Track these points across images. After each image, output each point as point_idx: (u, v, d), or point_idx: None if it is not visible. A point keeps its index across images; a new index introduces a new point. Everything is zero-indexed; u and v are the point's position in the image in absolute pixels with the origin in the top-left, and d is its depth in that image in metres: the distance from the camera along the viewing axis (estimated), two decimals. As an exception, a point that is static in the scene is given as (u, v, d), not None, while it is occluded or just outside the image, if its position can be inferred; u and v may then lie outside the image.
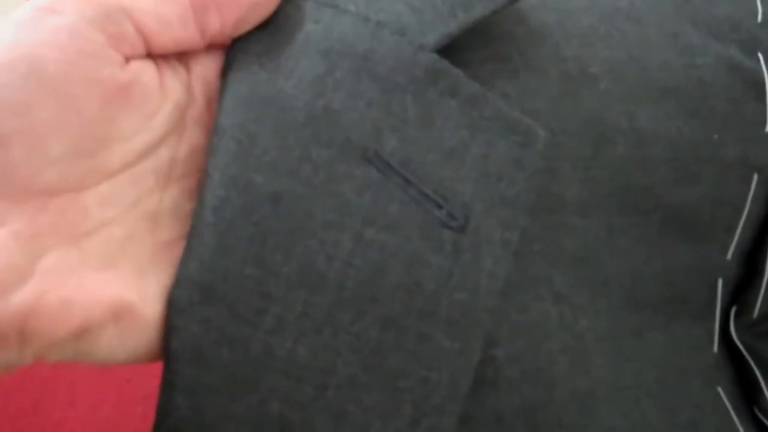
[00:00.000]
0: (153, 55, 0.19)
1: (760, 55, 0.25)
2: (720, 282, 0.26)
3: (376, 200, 0.20)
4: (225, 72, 0.20)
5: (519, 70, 0.22)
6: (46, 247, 0.17)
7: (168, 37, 0.19)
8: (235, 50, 0.20)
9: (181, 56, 0.20)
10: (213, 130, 0.20)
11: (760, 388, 0.26)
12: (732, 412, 0.26)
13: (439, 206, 0.20)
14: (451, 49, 0.21)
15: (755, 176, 0.25)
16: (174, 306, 0.19)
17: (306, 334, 0.19)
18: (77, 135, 0.17)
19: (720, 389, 0.26)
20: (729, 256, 0.25)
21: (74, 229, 0.17)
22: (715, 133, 0.24)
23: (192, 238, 0.19)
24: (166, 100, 0.19)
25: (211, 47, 0.20)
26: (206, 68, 0.21)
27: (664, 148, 0.23)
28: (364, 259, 0.19)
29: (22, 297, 0.16)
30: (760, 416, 0.26)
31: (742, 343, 0.26)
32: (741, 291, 0.26)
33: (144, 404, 0.32)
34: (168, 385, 0.19)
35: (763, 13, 0.26)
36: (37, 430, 0.32)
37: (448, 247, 0.20)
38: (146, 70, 0.19)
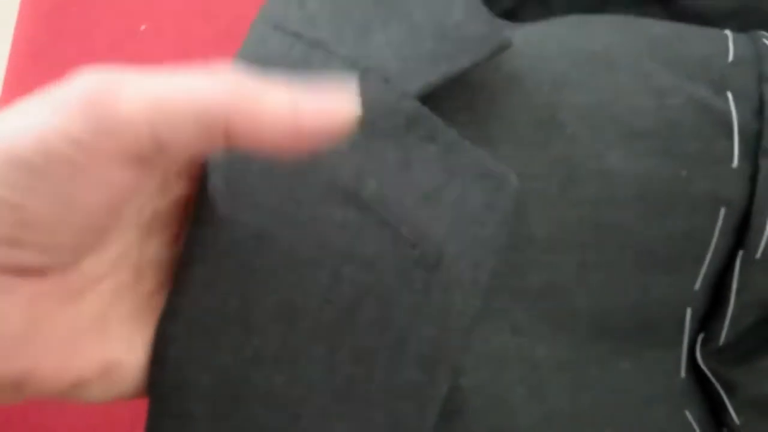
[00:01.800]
0: None
1: (729, 94, 0.26)
2: (689, 311, 0.27)
3: (354, 239, 0.21)
4: None
5: (489, 119, 0.24)
6: (47, 312, 0.18)
7: (184, 158, 0.19)
8: None
9: None
10: (204, 167, 0.21)
11: (727, 409, 0.27)
12: None
13: (414, 246, 0.21)
14: (431, 96, 0.22)
15: (723, 210, 0.25)
16: (161, 337, 0.20)
17: (283, 364, 0.20)
18: (88, 244, 0.18)
19: (687, 413, 0.27)
20: (697, 286, 0.26)
21: (71, 291, 0.18)
22: (684, 170, 0.25)
23: (181, 272, 0.20)
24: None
25: None
26: None
27: (633, 186, 0.24)
28: (339, 295, 0.20)
29: (22, 362, 0.17)
30: None
31: (709, 368, 0.27)
32: (708, 319, 0.27)
33: (132, 410, 0.32)
34: (154, 410, 0.20)
35: (734, 53, 0.26)
36: (40, 429, 0.33)
37: (419, 285, 0.21)
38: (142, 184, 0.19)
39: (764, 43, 0.27)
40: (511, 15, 0.31)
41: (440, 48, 0.22)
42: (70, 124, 0.16)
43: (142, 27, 0.37)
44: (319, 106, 0.18)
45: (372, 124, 0.21)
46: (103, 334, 0.19)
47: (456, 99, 0.23)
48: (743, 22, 0.30)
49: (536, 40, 0.25)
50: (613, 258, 0.25)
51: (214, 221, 0.20)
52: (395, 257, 0.21)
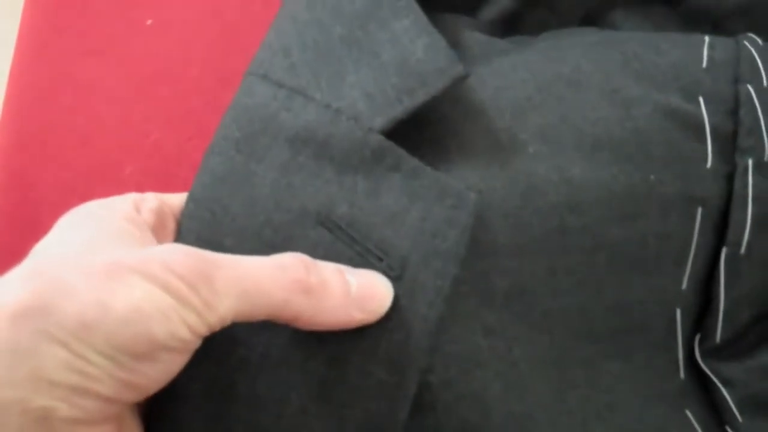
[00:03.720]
0: None
1: (700, 99, 0.27)
2: (678, 311, 0.27)
3: (326, 256, 0.23)
4: (207, 152, 0.24)
5: (451, 148, 0.25)
6: None
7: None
8: (217, 136, 0.24)
9: None
10: (189, 197, 0.24)
11: (729, 408, 0.27)
12: None
13: (380, 259, 0.23)
14: (398, 130, 0.24)
15: (700, 209, 0.26)
16: None
17: (265, 371, 0.22)
18: None
19: (688, 412, 0.27)
20: (684, 286, 0.27)
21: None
22: (652, 174, 0.26)
23: None
24: None
25: None
26: None
27: (597, 191, 0.25)
28: None
29: None
30: None
31: (708, 367, 0.27)
32: (702, 318, 0.27)
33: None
34: (153, 416, 0.23)
35: (708, 58, 0.27)
36: None
37: None
38: None
39: (745, 45, 0.28)
40: (516, 18, 0.31)
41: (403, 84, 0.24)
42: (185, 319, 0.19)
43: (149, 22, 0.37)
44: (365, 293, 0.22)
45: (342, 161, 0.24)
46: None
47: (419, 134, 0.25)
48: (751, 20, 0.30)
49: (502, 71, 0.27)
50: (582, 261, 0.26)
51: (198, 244, 0.22)
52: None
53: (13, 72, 0.38)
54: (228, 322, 0.20)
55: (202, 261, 0.20)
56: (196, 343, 0.20)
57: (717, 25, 0.31)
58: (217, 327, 0.20)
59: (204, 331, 0.20)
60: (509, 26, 0.32)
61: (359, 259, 0.23)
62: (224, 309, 0.20)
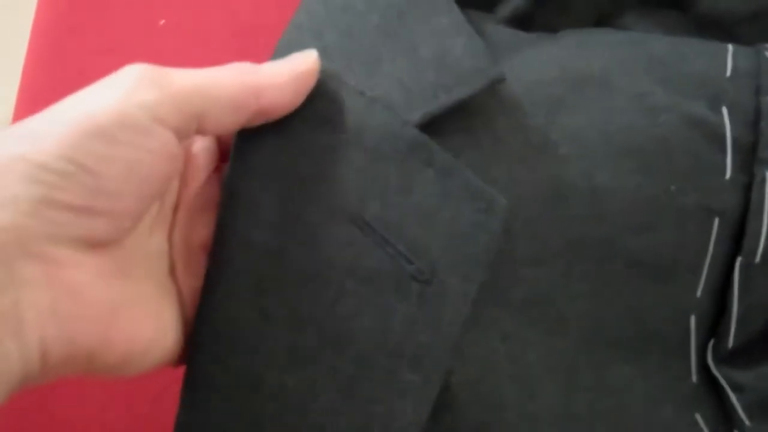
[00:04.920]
0: None
1: (724, 109, 0.27)
2: (693, 318, 0.28)
3: (357, 256, 0.23)
4: (236, 137, 0.24)
5: (483, 142, 0.26)
6: (110, 288, 0.21)
7: (212, 134, 0.23)
8: None
9: None
10: (223, 189, 0.24)
11: (737, 412, 0.27)
12: None
13: (410, 262, 0.23)
14: (431, 123, 0.24)
15: (716, 220, 0.26)
16: (192, 342, 0.23)
17: (293, 367, 0.23)
18: (144, 212, 0.21)
19: (698, 416, 0.28)
20: (698, 293, 0.27)
21: (120, 269, 0.21)
22: (673, 185, 0.26)
23: (205, 288, 0.23)
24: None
25: None
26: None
27: (620, 202, 0.26)
28: (343, 306, 0.23)
29: (98, 335, 0.20)
30: None
31: (720, 373, 0.28)
32: (716, 325, 0.28)
33: (152, 406, 0.33)
34: (181, 405, 0.23)
35: (732, 68, 0.27)
36: (44, 429, 0.33)
37: (415, 297, 0.23)
38: (183, 156, 0.23)
39: (766, 57, 0.28)
40: (526, 20, 0.31)
41: (441, 80, 0.24)
42: (140, 92, 0.19)
43: (162, 22, 0.37)
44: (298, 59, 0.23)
45: (376, 148, 0.23)
46: (144, 310, 0.22)
47: (454, 123, 0.25)
48: (761, 27, 0.30)
49: (536, 65, 0.27)
50: (598, 269, 0.26)
51: (233, 242, 0.23)
52: (393, 272, 0.23)
53: (26, 71, 0.38)
54: (196, 102, 0.20)
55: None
56: (156, 133, 0.20)
57: (728, 30, 0.31)
58: (182, 98, 0.20)
59: (159, 110, 0.20)
60: (520, 27, 0.32)
61: (390, 261, 0.23)
62: (178, 85, 0.20)
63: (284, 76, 0.22)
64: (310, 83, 0.23)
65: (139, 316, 0.21)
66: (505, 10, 0.32)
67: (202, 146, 0.25)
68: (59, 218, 0.18)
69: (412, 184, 0.23)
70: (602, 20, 0.32)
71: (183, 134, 0.21)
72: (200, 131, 0.21)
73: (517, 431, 0.25)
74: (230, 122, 0.22)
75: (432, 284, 0.23)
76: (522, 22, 0.32)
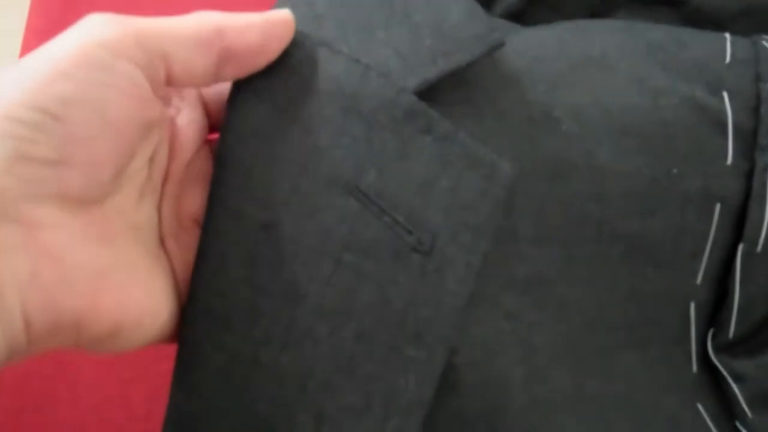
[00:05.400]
0: None
1: (724, 94, 0.27)
2: (692, 306, 0.27)
3: (354, 227, 0.22)
4: (227, 107, 0.23)
5: (485, 114, 0.25)
6: (94, 250, 0.20)
7: (185, 83, 0.22)
8: (237, 83, 0.23)
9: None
10: (215, 159, 0.23)
11: (739, 403, 0.27)
12: (712, 427, 0.27)
13: (410, 232, 0.22)
14: (430, 92, 0.23)
15: (718, 206, 0.26)
16: (183, 321, 0.22)
17: (289, 344, 0.22)
18: (122, 163, 0.20)
19: (700, 405, 0.27)
20: (699, 280, 0.27)
21: (104, 234, 0.20)
22: (675, 168, 0.26)
23: (197, 262, 0.22)
24: (161, 131, 0.22)
25: None
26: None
27: (621, 183, 0.25)
28: (341, 279, 0.22)
29: (83, 298, 0.19)
30: (742, 429, 0.27)
31: (721, 362, 0.27)
32: (716, 313, 0.28)
33: (147, 405, 0.32)
34: (174, 386, 0.22)
35: (732, 55, 0.27)
36: (39, 430, 0.32)
37: (416, 268, 0.22)
38: (161, 108, 0.22)
39: (764, 45, 0.28)
40: (519, 17, 0.32)
41: (438, 47, 0.23)
42: (100, 31, 0.19)
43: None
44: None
45: (372, 116, 0.23)
46: (133, 278, 0.21)
47: (453, 94, 0.25)
48: (753, 22, 0.31)
49: (536, 43, 0.27)
50: (599, 252, 0.26)
51: (225, 215, 0.22)
52: (392, 243, 0.22)
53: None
54: (151, 46, 0.20)
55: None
56: (120, 69, 0.19)
57: (720, 26, 0.31)
58: (140, 54, 0.20)
59: (120, 47, 0.19)
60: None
61: (388, 232, 0.22)
62: (138, 24, 0.20)
63: (248, 17, 0.22)
64: (281, 30, 0.22)
65: (127, 284, 0.20)
66: (498, 8, 0.32)
67: (190, 118, 0.24)
68: (33, 174, 0.18)
69: (410, 151, 0.23)
70: (593, 18, 0.33)
71: (152, 76, 0.20)
72: (172, 78, 0.21)
73: (526, 416, 0.24)
74: (200, 66, 0.21)
75: (433, 255, 0.22)
76: (514, 20, 0.32)
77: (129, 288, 0.20)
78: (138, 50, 0.19)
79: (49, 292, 0.18)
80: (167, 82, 0.21)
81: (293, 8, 0.23)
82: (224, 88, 0.24)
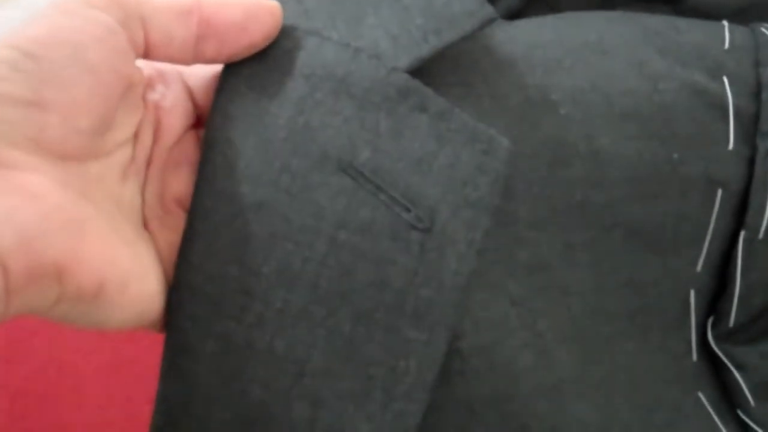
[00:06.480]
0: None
1: (725, 79, 0.26)
2: (692, 293, 0.27)
3: (348, 206, 0.21)
4: (216, 92, 0.22)
5: (482, 96, 0.24)
6: (75, 201, 0.19)
7: (164, 54, 0.21)
8: (226, 72, 0.23)
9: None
10: (203, 142, 0.22)
11: (742, 391, 0.27)
12: (714, 416, 0.27)
13: (407, 209, 0.22)
14: (423, 74, 0.23)
15: (720, 192, 0.26)
16: (170, 306, 0.21)
17: (284, 328, 0.21)
18: (101, 114, 0.20)
19: (701, 394, 0.27)
20: (699, 268, 0.27)
21: (85, 192, 0.19)
22: (676, 153, 0.25)
23: (183, 244, 0.21)
24: (142, 105, 0.22)
25: None
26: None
27: (621, 168, 0.25)
28: (336, 259, 0.21)
29: (63, 247, 0.18)
30: (744, 418, 0.27)
31: (721, 350, 0.27)
32: (716, 301, 0.27)
33: (150, 406, 0.32)
34: (162, 374, 0.21)
35: (731, 41, 0.27)
36: (44, 429, 0.32)
37: (415, 247, 0.21)
38: (140, 73, 0.21)
39: (762, 32, 0.28)
40: (519, 17, 0.32)
41: (429, 25, 0.23)
42: None
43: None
44: None
45: (364, 96, 0.22)
46: (117, 239, 0.20)
47: (449, 77, 0.24)
48: (751, 19, 0.31)
49: (532, 30, 0.26)
50: (599, 237, 0.25)
51: (213, 194, 0.21)
52: (389, 221, 0.21)
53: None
54: (136, 10, 0.20)
55: None
56: (95, 16, 0.19)
57: (717, 23, 0.31)
58: (116, 8, 0.20)
59: (98, 3, 0.19)
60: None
61: (385, 210, 0.21)
62: None
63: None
64: (264, 14, 0.22)
65: (112, 239, 0.19)
66: (498, 8, 0.32)
67: (174, 102, 0.23)
68: (8, 115, 0.17)
69: (405, 129, 0.22)
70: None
71: (130, 35, 0.20)
72: (150, 46, 0.21)
73: (535, 403, 0.24)
74: (178, 36, 0.21)
75: (433, 232, 0.21)
76: (514, 20, 0.32)
77: (113, 243, 0.19)
78: (115, 6, 0.19)
79: (27, 232, 0.17)
80: (146, 52, 0.21)
81: (282, 3, 0.23)
82: (210, 77, 0.24)
